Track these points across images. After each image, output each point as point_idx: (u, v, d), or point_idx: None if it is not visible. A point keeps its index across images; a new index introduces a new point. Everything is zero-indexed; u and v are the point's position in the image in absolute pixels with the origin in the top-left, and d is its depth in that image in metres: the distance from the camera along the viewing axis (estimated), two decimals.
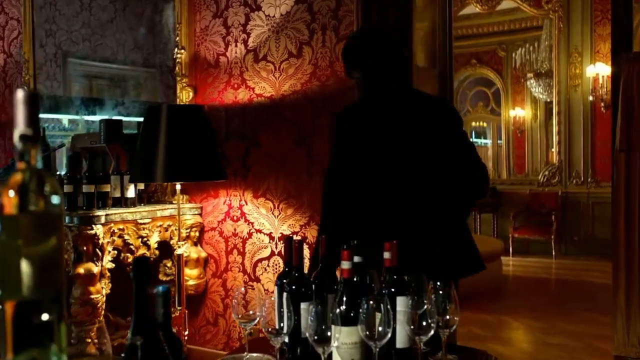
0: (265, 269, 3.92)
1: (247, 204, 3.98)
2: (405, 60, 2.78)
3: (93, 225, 3.58)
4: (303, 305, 1.66)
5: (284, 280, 1.73)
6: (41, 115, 5.07)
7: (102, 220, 3.63)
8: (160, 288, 1.21)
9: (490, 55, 11.12)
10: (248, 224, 3.99)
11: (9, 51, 5.36)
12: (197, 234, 4.16)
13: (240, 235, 4.03)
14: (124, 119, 4.44)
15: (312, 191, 3.68)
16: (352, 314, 1.53)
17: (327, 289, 1.72)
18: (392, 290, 1.64)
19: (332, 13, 3.57)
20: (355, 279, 1.62)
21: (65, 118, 5.16)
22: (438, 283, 1.69)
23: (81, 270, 3.58)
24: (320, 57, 3.63)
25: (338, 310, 1.50)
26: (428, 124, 2.51)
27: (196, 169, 3.64)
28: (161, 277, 4.18)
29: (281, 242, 3.88)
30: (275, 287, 1.78)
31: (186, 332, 3.84)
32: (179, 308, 3.83)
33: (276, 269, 3.86)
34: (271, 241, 3.90)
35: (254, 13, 3.90)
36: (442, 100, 2.93)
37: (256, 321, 1.72)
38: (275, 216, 3.87)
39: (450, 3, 4.08)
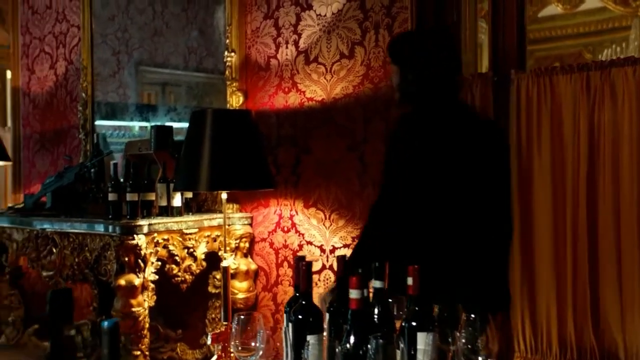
0: (316, 284, 3.68)
1: (297, 214, 3.77)
2: (456, 70, 2.53)
3: (135, 235, 3.44)
4: (310, 339, 1.41)
5: (290, 308, 1.49)
6: (101, 122, 5.07)
7: (145, 230, 3.49)
8: (106, 323, 0.99)
9: (574, 58, 10.54)
10: (299, 235, 3.77)
11: (69, 58, 5.35)
12: (247, 245, 3.97)
13: (291, 247, 3.81)
14: (176, 125, 4.31)
15: (364, 201, 3.42)
16: (361, 353, 1.27)
17: (345, 318, 1.47)
18: (414, 324, 1.37)
19: (385, 10, 3.31)
20: (368, 310, 1.35)
21: (136, 125, 5.05)
22: (472, 316, 1.41)
23: (122, 282, 3.44)
24: (373, 58, 3.37)
25: (341, 348, 1.25)
26: (464, 148, 2.30)
27: (242, 177, 3.44)
28: (210, 289, 4.01)
29: (332, 254, 3.64)
30: (284, 315, 1.54)
31: None
32: (224, 323, 3.64)
33: (327, 283, 3.62)
34: (322, 254, 3.66)
35: (304, 12, 3.69)
36: (488, 124, 2.56)
37: (259, 355, 1.49)
38: (326, 227, 3.63)
39: (522, 3, 3.73)
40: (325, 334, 1.50)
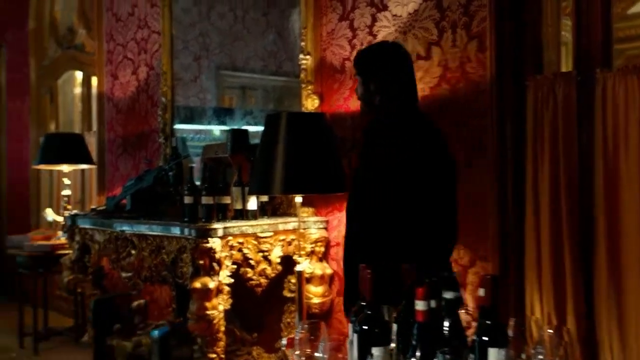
0: None
1: None
2: (411, 83, 2.76)
3: (209, 239, 3.45)
4: (375, 351, 1.35)
5: (356, 318, 1.43)
6: (180, 126, 5.15)
7: (220, 233, 3.49)
8: (157, 332, 0.96)
9: None
10: None
11: (150, 64, 5.46)
12: (323, 249, 3.93)
13: None
14: (252, 128, 4.32)
15: None
16: None
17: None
18: (485, 338, 1.29)
19: (462, 9, 3.21)
20: (437, 322, 1.28)
21: (216, 129, 5.10)
22: (550, 330, 1.31)
23: (197, 284, 3.46)
24: (450, 58, 3.27)
25: None
26: (408, 157, 2.52)
27: (316, 180, 3.40)
28: (286, 293, 4.00)
29: None
30: (350, 325, 1.48)
31: None
32: None
33: None
34: None
35: (380, 13, 3.62)
36: (433, 135, 2.64)
37: None
38: None
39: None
40: (393, 345, 1.44)
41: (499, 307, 1.30)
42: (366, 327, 1.37)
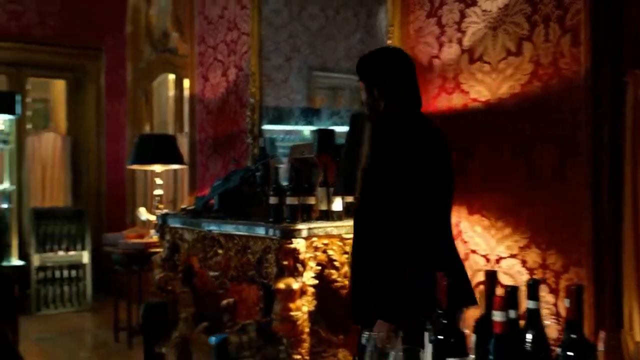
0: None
1: (462, 221, 3.58)
2: (414, 87, 2.83)
3: (293, 239, 3.44)
4: None
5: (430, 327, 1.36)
6: (268, 127, 5.18)
7: (304, 234, 3.47)
8: (214, 339, 0.93)
9: None
10: (463, 243, 3.59)
11: (240, 65, 5.52)
12: None
13: None
14: (339, 128, 4.29)
15: (531, 209, 3.18)
16: None
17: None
18: (570, 353, 1.19)
19: (555, 2, 3.05)
20: (517, 334, 1.19)
21: (305, 129, 5.11)
22: None
23: (282, 285, 3.45)
24: (542, 54, 3.12)
25: None
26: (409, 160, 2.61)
27: None
28: None
29: (498, 265, 3.42)
30: (425, 334, 1.41)
31: None
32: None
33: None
34: (487, 264, 3.45)
35: (469, 9, 3.50)
36: (427, 143, 2.74)
37: None
38: (491, 235, 3.42)
39: None
40: (472, 356, 1.36)
41: (583, 318, 1.20)
42: (442, 337, 1.30)
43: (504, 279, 3.28)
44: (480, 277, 3.44)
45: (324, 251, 3.60)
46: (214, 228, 4.08)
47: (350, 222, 3.69)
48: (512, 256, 3.30)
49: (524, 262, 3.23)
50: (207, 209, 4.42)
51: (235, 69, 5.62)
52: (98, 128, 8.39)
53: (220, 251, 4.05)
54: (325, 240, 3.59)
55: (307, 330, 3.59)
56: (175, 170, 6.50)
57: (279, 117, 5.15)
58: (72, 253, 7.07)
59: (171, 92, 7.06)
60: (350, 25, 4.54)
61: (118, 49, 7.88)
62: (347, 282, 3.70)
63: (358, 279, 2.83)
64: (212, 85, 5.94)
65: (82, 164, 8.51)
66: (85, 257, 7.09)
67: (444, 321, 1.33)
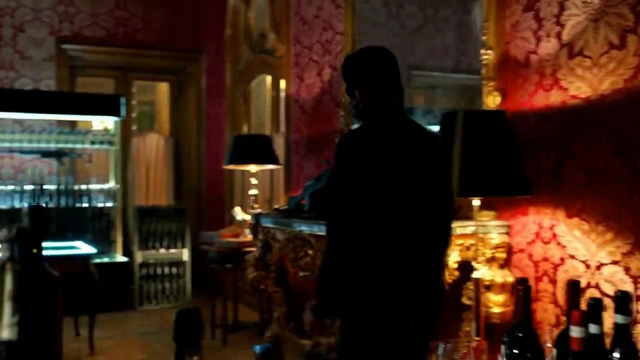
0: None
1: (559, 224, 3.40)
2: (397, 87, 2.78)
3: None
4: None
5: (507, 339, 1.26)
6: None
7: None
8: (258, 347, 0.89)
9: None
10: (560, 248, 3.41)
11: (334, 65, 5.50)
12: (504, 255, 3.69)
13: (552, 260, 3.46)
14: (433, 128, 4.18)
15: (634, 213, 2.98)
16: None
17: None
18: None
19: None
20: (603, 352, 1.08)
21: None
22: None
23: None
24: None
25: None
26: (416, 157, 2.66)
27: (495, 182, 3.21)
28: (464, 300, 3.81)
29: (599, 271, 3.22)
30: (502, 347, 1.31)
31: None
32: (477, 338, 3.42)
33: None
34: (586, 270, 3.26)
35: (569, 1, 3.31)
36: (431, 135, 2.84)
37: None
38: (591, 240, 3.22)
39: None
40: None
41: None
42: (517, 351, 1.20)
43: (606, 287, 3.10)
44: (581, 284, 3.25)
45: None
46: (304, 228, 4.07)
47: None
48: (614, 263, 3.10)
49: (627, 270, 3.03)
50: (299, 209, 4.42)
51: (329, 69, 5.60)
52: (199, 129, 8.61)
53: (310, 251, 4.04)
54: None
55: None
56: (271, 170, 6.55)
57: None
58: (172, 251, 7.27)
59: (268, 93, 7.13)
60: (449, 22, 4.44)
61: (218, 52, 8.04)
62: None
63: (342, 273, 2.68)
64: (307, 86, 5.94)
65: (183, 163, 8.76)
66: (185, 254, 7.27)
67: (519, 334, 1.23)
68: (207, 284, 6.61)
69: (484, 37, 3.77)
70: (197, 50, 8.48)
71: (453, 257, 3.59)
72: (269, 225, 4.59)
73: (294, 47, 6.21)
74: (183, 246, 7.33)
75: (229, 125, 7.68)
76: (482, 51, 3.76)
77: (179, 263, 7.30)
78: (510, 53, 3.68)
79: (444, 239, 2.79)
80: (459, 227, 3.62)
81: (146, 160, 8.58)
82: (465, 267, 3.61)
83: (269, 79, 7.09)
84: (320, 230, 3.86)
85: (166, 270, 7.25)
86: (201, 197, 8.53)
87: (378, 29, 5.15)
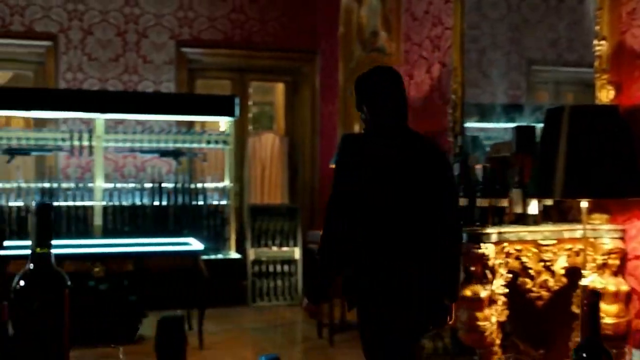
0: None
1: None
2: (402, 103, 2.93)
3: (482, 244, 3.22)
4: None
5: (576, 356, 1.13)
6: (470, 125, 4.96)
7: (493, 238, 3.25)
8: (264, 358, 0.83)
9: None
10: None
11: (443, 61, 5.35)
12: (617, 262, 3.44)
13: None
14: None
15: None
16: None
17: None
18: None
19: None
20: None
21: (507, 126, 4.86)
22: None
23: (468, 292, 3.25)
24: None
25: None
26: (420, 166, 2.79)
27: (605, 183, 2.99)
28: (574, 309, 3.58)
29: None
30: None
31: None
32: None
33: None
34: None
35: None
36: (433, 145, 3.00)
37: None
38: None
39: None
40: None
41: None
42: None
43: None
44: None
45: (517, 258, 3.34)
46: None
47: (546, 227, 3.42)
48: None
49: None
50: None
51: (439, 65, 5.46)
52: (313, 128, 8.66)
53: None
54: (518, 246, 3.33)
55: (498, 342, 3.36)
56: None
57: (481, 114, 4.91)
58: (284, 249, 7.35)
59: None
60: (576, 13, 4.21)
61: (331, 51, 8.05)
62: (543, 293, 3.41)
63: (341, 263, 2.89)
64: (417, 84, 5.82)
65: (298, 163, 8.84)
66: (297, 253, 7.33)
67: (583, 355, 1.10)
68: None
69: (597, 27, 3.52)
70: (312, 50, 8.52)
71: (560, 263, 3.39)
72: None
73: (404, 44, 6.10)
74: (295, 244, 7.39)
75: (340, 124, 7.67)
76: (595, 42, 3.52)
77: (290, 261, 7.36)
78: (626, 43, 3.42)
79: (450, 239, 2.82)
80: (567, 231, 3.41)
81: (261, 160, 8.72)
82: (574, 274, 3.40)
83: None
84: None
85: (278, 268, 7.33)
86: (314, 195, 8.58)
87: (493, 22, 4.99)
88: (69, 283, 1.06)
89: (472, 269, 3.24)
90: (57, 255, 3.83)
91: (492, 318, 3.27)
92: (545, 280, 3.37)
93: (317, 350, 5.58)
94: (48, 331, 0.98)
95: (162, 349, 0.77)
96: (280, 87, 9.53)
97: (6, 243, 5.78)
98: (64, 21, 7.76)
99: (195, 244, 5.74)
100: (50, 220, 1.07)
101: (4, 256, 4.73)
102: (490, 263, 3.23)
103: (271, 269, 7.32)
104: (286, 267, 7.36)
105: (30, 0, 7.66)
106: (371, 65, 6.92)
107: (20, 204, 6.72)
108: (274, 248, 7.34)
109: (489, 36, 5.04)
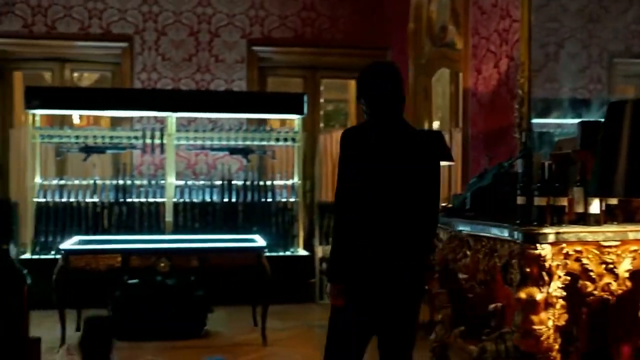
0: None
1: None
2: (398, 95, 3.10)
3: (538, 245, 3.09)
4: None
5: None
6: (537, 120, 4.78)
7: (550, 239, 3.11)
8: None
9: None
10: None
11: (511, 55, 5.19)
12: None
13: None
14: None
15: None
16: None
17: None
18: None
19: None
20: None
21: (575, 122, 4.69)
22: None
23: (523, 294, 3.13)
24: None
25: None
26: (416, 152, 3.05)
27: None
28: None
29: None
30: None
31: None
32: None
33: None
34: None
35: None
36: (428, 132, 3.53)
37: None
38: None
39: None
40: None
41: None
42: None
43: None
44: None
45: (577, 259, 3.19)
46: (462, 228, 3.87)
47: (609, 228, 3.26)
48: None
49: None
50: (462, 207, 4.21)
51: (506, 59, 5.29)
52: None
53: (468, 252, 3.83)
54: (577, 247, 3.18)
55: (556, 347, 3.22)
56: (449, 167, 6.34)
57: (547, 109, 4.73)
58: None
59: (447, 88, 6.91)
60: None
61: (402, 47, 7.95)
62: (606, 297, 3.24)
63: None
64: (484, 78, 5.67)
65: None
66: None
67: None
68: None
69: None
70: (382, 47, 8.43)
71: (624, 265, 3.22)
72: None
73: (472, 38, 5.95)
74: None
75: (411, 121, 7.55)
76: None
77: None
78: None
79: (431, 224, 3.18)
80: (632, 232, 3.24)
81: (333, 157, 8.71)
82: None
83: (447, 72, 6.87)
84: (480, 230, 3.65)
85: None
86: None
87: (573, 14, 4.82)
88: (29, 281, 1.06)
89: (527, 270, 3.12)
90: (123, 251, 4.01)
91: (548, 322, 3.14)
92: (608, 284, 3.20)
93: (376, 350, 5.52)
94: (5, 326, 0.99)
95: (87, 347, 0.76)
96: (353, 84, 9.49)
97: (81, 237, 6.00)
98: (139, 23, 7.98)
99: (259, 241, 5.78)
100: (9, 216, 1.07)
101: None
102: (546, 264, 3.10)
103: None
104: None
105: (108, 3, 7.92)
106: (440, 61, 6.87)
107: (95, 200, 6.95)
108: None
109: (568, 29, 4.87)
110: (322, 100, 8.92)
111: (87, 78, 9.24)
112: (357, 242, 2.97)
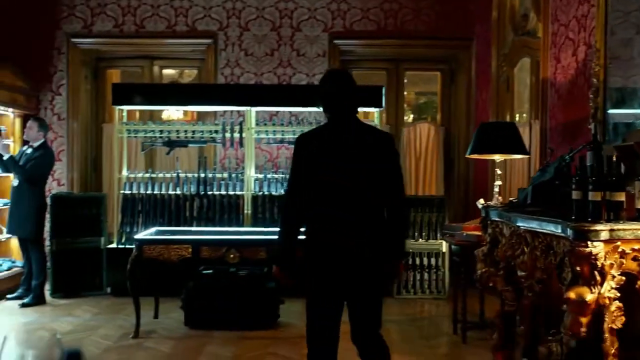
0: None
1: None
2: (353, 98, 3.46)
3: (589, 242, 2.93)
4: None
5: None
6: (614, 111, 4.52)
7: (603, 236, 2.94)
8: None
9: None
10: None
11: (589, 42, 4.93)
12: None
13: None
14: None
15: None
16: None
17: None
18: None
19: None
20: None
21: None
22: None
23: (572, 295, 2.97)
24: None
25: None
26: (371, 147, 3.40)
27: None
28: None
29: None
30: None
31: None
32: None
33: None
34: None
35: None
36: (378, 131, 3.90)
37: None
38: None
39: None
40: None
41: None
42: None
43: None
44: None
45: (634, 258, 2.99)
46: (521, 224, 3.72)
47: None
48: None
49: None
50: (524, 202, 4.05)
51: (584, 47, 5.03)
52: (468, 117, 8.37)
53: (526, 249, 3.68)
54: (635, 246, 2.98)
55: (612, 351, 3.03)
56: (528, 160, 6.11)
57: (623, 99, 4.45)
58: (431, 241, 7.19)
59: (528, 77, 6.65)
60: None
61: (486, 37, 7.72)
62: None
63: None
64: (563, 67, 5.41)
65: (453, 153, 8.60)
66: (444, 246, 7.12)
67: None
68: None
69: None
70: (467, 37, 8.22)
71: None
72: (496, 219, 4.28)
73: (552, 25, 5.69)
74: (442, 237, 7.20)
75: (492, 112, 7.34)
76: None
77: (437, 254, 7.19)
78: None
79: (397, 204, 3.46)
80: None
81: (416, 150, 8.59)
82: None
83: (528, 62, 6.61)
84: (537, 226, 3.49)
85: (425, 260, 7.19)
86: (469, 187, 8.30)
87: None
88: None
89: (577, 269, 2.96)
90: (194, 241, 4.29)
91: (603, 325, 2.96)
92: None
93: (448, 346, 5.41)
94: None
95: None
96: (439, 76, 9.32)
97: (158, 228, 6.20)
98: (223, 19, 8.15)
99: None
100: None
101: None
102: (598, 263, 2.93)
103: (417, 261, 7.19)
104: (433, 260, 7.19)
105: (193, 1, 8.13)
106: (522, 50, 6.63)
107: (178, 192, 7.17)
108: (421, 240, 7.20)
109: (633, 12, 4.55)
110: (405, 93, 8.81)
111: (187, 75, 9.54)
112: (308, 228, 3.43)
